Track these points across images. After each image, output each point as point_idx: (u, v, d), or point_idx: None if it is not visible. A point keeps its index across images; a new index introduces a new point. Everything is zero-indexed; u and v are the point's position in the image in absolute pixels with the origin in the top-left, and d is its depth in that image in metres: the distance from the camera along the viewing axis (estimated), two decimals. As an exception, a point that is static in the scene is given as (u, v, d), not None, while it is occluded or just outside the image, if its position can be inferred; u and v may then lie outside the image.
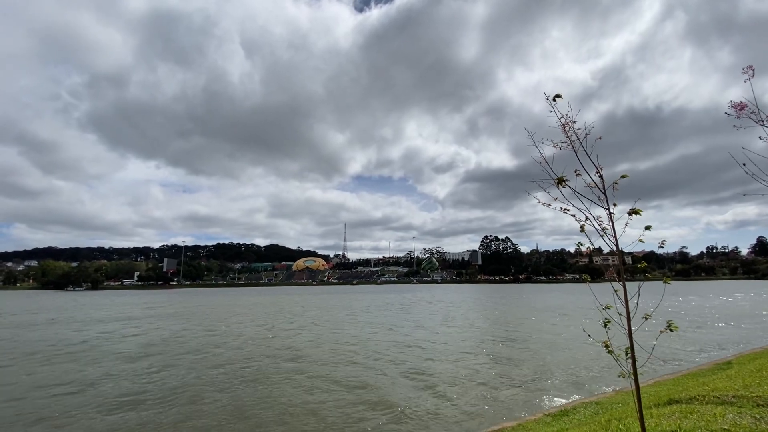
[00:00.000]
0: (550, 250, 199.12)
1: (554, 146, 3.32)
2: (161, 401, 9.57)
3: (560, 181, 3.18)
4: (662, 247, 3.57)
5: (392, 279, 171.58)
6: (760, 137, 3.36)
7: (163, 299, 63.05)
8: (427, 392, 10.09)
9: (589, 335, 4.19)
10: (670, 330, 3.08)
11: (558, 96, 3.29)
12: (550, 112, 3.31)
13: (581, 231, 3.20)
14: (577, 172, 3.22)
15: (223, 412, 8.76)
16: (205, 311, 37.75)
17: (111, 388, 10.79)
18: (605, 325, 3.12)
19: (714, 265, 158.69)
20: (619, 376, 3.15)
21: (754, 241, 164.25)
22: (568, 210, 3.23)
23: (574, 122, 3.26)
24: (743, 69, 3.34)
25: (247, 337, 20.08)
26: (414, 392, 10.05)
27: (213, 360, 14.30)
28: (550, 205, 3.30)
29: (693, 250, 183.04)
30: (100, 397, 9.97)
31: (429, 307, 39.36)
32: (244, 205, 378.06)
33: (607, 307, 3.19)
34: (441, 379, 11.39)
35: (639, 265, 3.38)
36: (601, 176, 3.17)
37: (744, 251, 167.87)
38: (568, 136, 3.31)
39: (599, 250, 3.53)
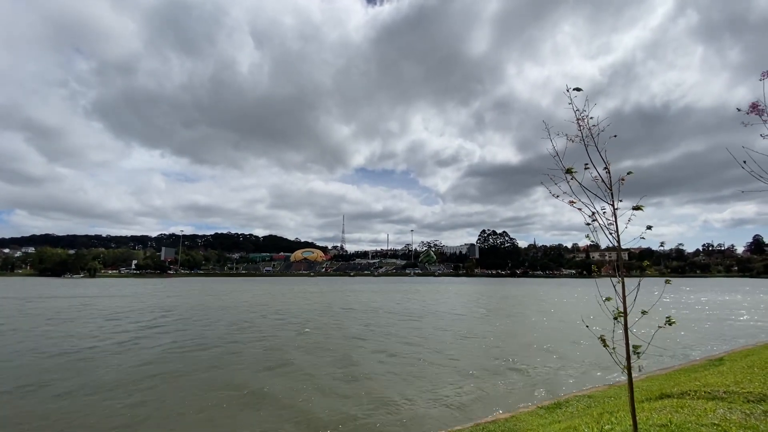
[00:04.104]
0: (548, 245, 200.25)
1: (568, 139, 3.36)
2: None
3: (569, 171, 3.22)
4: (662, 246, 3.63)
5: (390, 271, 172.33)
6: (761, 135, 3.38)
7: (169, 288, 63.17)
8: (423, 381, 10.22)
9: (587, 326, 4.23)
10: (669, 324, 3.12)
11: (578, 89, 3.32)
12: (569, 104, 3.33)
13: (589, 224, 3.25)
14: (587, 165, 3.25)
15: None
16: (231, 302, 37.92)
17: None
18: (616, 318, 3.16)
19: (710, 262, 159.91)
20: (622, 369, 3.19)
21: (751, 240, 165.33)
22: (575, 203, 3.26)
23: (592, 118, 3.30)
24: (763, 74, 3.39)
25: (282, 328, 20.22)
26: (411, 381, 10.18)
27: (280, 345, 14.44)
28: (558, 196, 3.33)
29: (689, 248, 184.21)
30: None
31: (430, 298, 39.67)
32: (245, 195, 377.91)
33: (608, 299, 3.22)
34: (437, 367, 11.51)
35: (644, 263, 3.41)
36: (608, 172, 3.20)
37: (740, 249, 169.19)
38: (581, 130, 3.35)
39: (596, 246, 3.57)
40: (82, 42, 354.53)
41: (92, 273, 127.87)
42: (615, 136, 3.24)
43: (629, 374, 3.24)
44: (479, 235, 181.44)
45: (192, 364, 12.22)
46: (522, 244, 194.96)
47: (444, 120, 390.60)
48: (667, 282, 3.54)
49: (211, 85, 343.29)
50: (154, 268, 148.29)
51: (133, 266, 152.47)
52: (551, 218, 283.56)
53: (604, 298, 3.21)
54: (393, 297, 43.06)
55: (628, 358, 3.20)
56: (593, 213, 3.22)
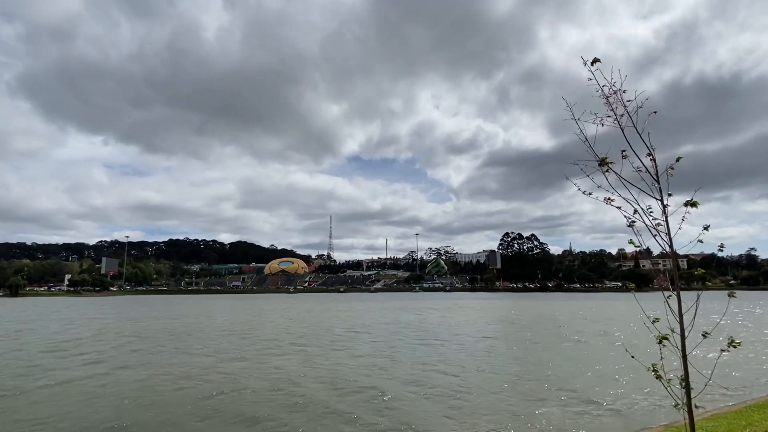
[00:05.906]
0: (587, 251, 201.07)
1: (595, 122, 3.29)
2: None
3: (602, 163, 3.18)
4: (721, 250, 3.61)
5: (390, 285, 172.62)
6: None
7: (126, 311, 62.84)
8: (462, 415, 10.56)
9: (632, 356, 4.23)
10: (733, 347, 3.11)
11: (596, 60, 3.28)
12: (590, 80, 3.29)
13: (629, 227, 3.21)
14: (624, 153, 3.20)
15: None
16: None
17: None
18: (660, 342, 3.14)
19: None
20: (675, 407, 3.18)
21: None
22: (612, 200, 3.23)
23: (624, 92, 3.23)
24: None
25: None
26: (446, 416, 10.33)
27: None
28: (591, 194, 3.30)
29: (763, 253, 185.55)
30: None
31: (452, 319, 39.79)
32: (208, 191, 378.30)
33: (656, 321, 3.20)
34: (472, 403, 11.95)
35: (700, 271, 3.39)
36: (653, 159, 3.15)
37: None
38: (613, 110, 3.29)
39: (648, 251, 3.54)
40: (5, 1, 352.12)
41: (14, 291, 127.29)
42: (655, 112, 3.17)
43: (690, 412, 3.24)
44: (501, 240, 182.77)
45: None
46: (555, 250, 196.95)
47: (459, 96, 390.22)
48: (731, 296, 3.52)
49: (169, 55, 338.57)
50: (93, 284, 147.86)
51: (66, 282, 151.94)
52: (591, 217, 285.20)
53: (651, 320, 3.19)
54: (415, 317, 43.14)
55: (688, 392, 3.19)
56: (635, 212, 3.18)
